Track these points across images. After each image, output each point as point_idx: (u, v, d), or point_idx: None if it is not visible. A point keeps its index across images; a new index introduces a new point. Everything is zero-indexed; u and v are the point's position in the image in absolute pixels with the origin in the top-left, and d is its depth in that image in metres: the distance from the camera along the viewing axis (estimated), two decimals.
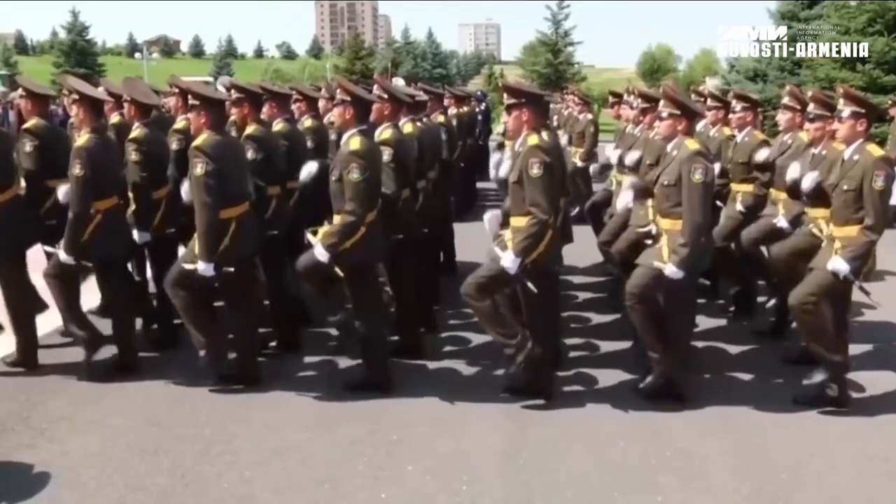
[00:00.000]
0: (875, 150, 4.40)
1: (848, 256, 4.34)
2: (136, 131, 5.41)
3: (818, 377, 4.62)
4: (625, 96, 7.81)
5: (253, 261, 5.12)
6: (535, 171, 4.34)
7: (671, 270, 4.40)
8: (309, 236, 4.75)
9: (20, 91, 5.62)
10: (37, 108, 5.42)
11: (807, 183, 4.84)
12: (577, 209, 8.65)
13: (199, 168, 4.54)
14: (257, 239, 5.02)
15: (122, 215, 5.20)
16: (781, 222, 5.46)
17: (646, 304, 4.54)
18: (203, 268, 4.59)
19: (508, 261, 4.40)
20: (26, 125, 5.38)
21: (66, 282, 5.04)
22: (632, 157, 6.17)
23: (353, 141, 4.61)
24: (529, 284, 4.46)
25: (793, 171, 5.11)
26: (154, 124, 5.59)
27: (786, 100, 5.81)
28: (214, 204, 4.57)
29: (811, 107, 5.12)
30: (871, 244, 4.39)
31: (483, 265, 4.65)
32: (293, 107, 6.36)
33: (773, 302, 5.96)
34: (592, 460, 4.08)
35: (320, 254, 4.57)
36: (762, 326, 5.94)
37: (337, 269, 4.60)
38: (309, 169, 5.42)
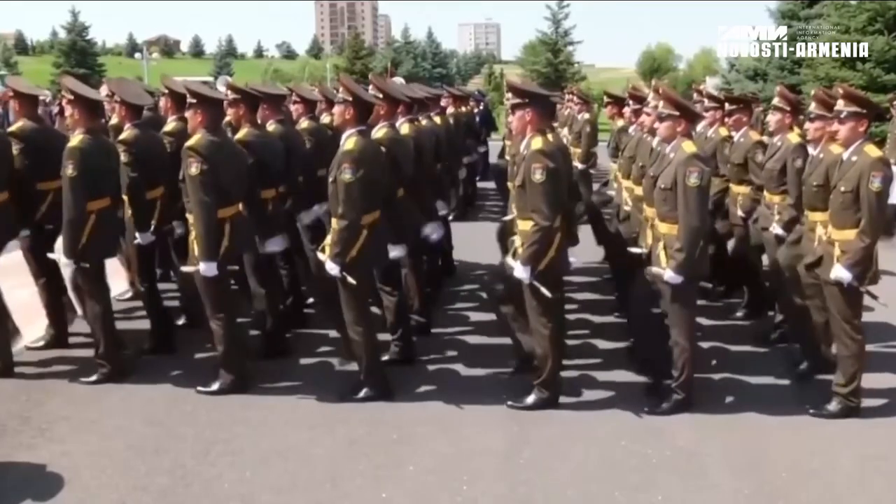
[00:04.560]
0: (873, 151, 4.36)
1: (848, 264, 4.30)
2: (126, 133, 5.35)
3: (832, 407, 4.56)
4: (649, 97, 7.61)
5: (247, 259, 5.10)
6: (538, 176, 4.31)
7: (670, 276, 4.38)
8: (318, 255, 4.72)
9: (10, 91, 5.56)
10: (24, 109, 5.37)
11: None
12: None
13: (193, 168, 4.53)
14: (251, 240, 5.00)
15: (115, 216, 5.12)
16: (776, 229, 5.43)
17: (692, 337, 4.54)
18: (205, 268, 4.58)
19: (520, 271, 4.39)
20: (11, 128, 5.34)
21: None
22: None
23: (348, 141, 4.59)
24: (544, 290, 4.44)
25: None
26: (149, 125, 5.56)
27: (776, 100, 5.71)
28: (212, 202, 4.57)
29: (812, 106, 5.06)
30: (868, 248, 4.30)
31: (525, 294, 4.58)
32: (292, 108, 6.34)
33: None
34: (593, 460, 4.08)
35: (330, 268, 4.53)
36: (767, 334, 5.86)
37: (350, 279, 4.56)
38: (277, 244, 5.38)
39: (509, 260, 4.57)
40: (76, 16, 48.89)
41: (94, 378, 4.99)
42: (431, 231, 5.75)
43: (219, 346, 4.82)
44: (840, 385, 4.52)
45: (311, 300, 6.32)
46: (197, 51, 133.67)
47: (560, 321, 4.96)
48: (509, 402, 4.67)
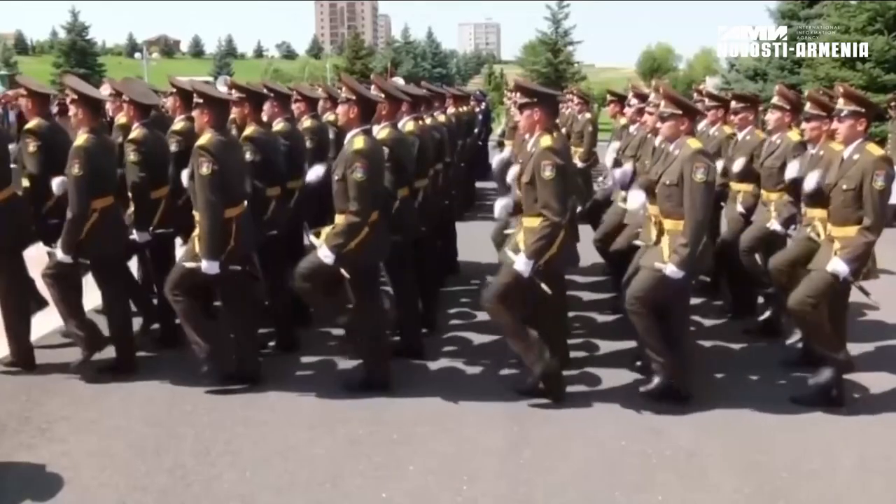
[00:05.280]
0: (875, 150, 4.39)
1: (847, 257, 4.33)
2: (135, 132, 5.40)
3: (825, 375, 4.60)
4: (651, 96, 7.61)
5: (251, 260, 5.12)
6: (548, 173, 4.33)
7: (671, 270, 4.39)
8: (312, 239, 4.73)
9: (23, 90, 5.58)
10: (38, 107, 5.40)
11: (809, 184, 4.81)
12: (579, 209, 8.59)
13: (204, 168, 4.54)
14: (255, 238, 5.02)
15: (119, 213, 5.18)
16: (774, 225, 5.44)
17: (648, 309, 4.51)
18: (207, 266, 4.59)
19: (521, 263, 4.40)
20: (28, 126, 5.37)
21: (65, 281, 5.01)
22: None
23: (356, 140, 4.62)
24: (543, 286, 4.45)
25: (791, 171, 5.10)
26: (153, 124, 5.58)
27: (775, 99, 5.75)
28: (220, 202, 4.58)
29: (808, 106, 5.10)
30: (869, 245, 4.36)
31: (499, 273, 4.62)
32: (293, 107, 6.35)
33: (768, 313, 5.83)
34: (593, 459, 4.08)
35: (325, 255, 4.55)
36: (754, 327, 5.90)
37: (342, 271, 4.57)
38: (316, 172, 5.37)
39: (508, 252, 4.57)
40: (76, 16, 49.00)
41: (81, 359, 5.03)
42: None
43: (183, 323, 4.85)
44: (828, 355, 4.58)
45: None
46: (197, 51, 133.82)
47: (563, 320, 4.98)
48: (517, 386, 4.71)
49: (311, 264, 4.65)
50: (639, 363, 5.09)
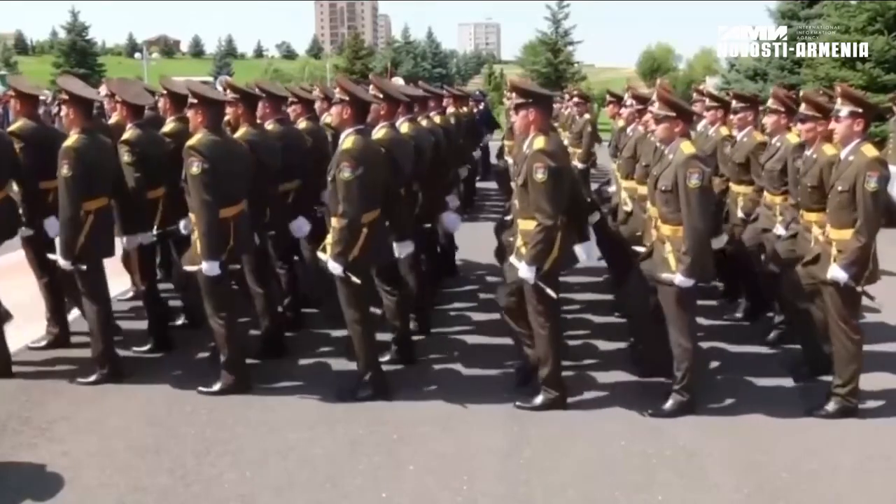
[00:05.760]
0: (869, 151, 4.35)
1: (844, 264, 4.30)
2: (128, 133, 5.36)
3: (830, 408, 4.55)
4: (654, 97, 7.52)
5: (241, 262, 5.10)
6: (540, 176, 4.31)
7: (680, 280, 4.35)
8: (320, 255, 4.72)
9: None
10: (25, 108, 5.37)
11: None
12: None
13: (195, 167, 4.53)
14: (252, 240, 5.01)
15: (112, 216, 5.12)
16: (779, 230, 5.42)
17: (694, 337, 4.55)
18: (207, 267, 4.57)
19: (525, 271, 4.39)
20: (11, 127, 5.35)
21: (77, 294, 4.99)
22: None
23: (346, 140, 4.60)
24: (549, 290, 4.44)
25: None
26: (149, 124, 5.56)
27: (770, 102, 5.74)
28: (214, 201, 4.56)
29: (802, 108, 5.06)
30: (865, 248, 4.29)
31: (526, 294, 4.59)
32: (289, 110, 6.30)
33: (774, 333, 5.78)
34: (593, 459, 4.08)
35: (334, 267, 4.54)
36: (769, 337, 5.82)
37: (353, 278, 4.56)
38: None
39: (513, 260, 4.57)
40: (76, 16, 48.84)
41: (91, 379, 4.98)
42: (451, 223, 5.99)
43: (220, 346, 4.82)
44: (838, 385, 4.52)
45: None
46: (197, 51, 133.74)
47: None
48: (517, 403, 4.66)
49: (344, 303, 4.66)
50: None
